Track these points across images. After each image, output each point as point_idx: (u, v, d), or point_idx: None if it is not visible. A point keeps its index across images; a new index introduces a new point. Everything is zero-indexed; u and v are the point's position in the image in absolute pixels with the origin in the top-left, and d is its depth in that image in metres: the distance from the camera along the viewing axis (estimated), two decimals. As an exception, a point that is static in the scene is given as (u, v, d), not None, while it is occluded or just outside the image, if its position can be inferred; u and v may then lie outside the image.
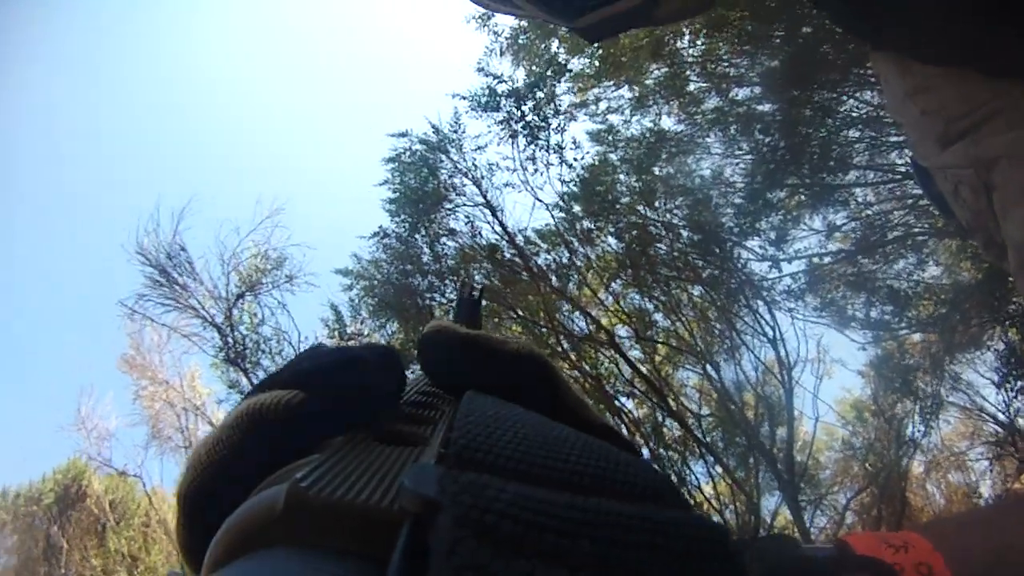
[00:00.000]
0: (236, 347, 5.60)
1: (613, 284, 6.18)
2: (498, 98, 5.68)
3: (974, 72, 0.46)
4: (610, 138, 6.05)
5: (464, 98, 5.81)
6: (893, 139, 6.69)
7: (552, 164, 5.73)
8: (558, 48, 5.98)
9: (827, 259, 7.02)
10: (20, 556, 9.95)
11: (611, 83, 6.15)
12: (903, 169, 6.65)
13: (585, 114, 6.18)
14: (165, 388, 7.16)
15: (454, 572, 0.11)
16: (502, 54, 6.06)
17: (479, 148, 5.88)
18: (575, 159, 5.80)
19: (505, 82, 5.80)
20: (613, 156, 6.09)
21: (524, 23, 5.62)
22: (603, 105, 6.14)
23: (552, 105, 5.82)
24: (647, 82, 6.05)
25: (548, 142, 5.73)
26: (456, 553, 0.11)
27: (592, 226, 6.00)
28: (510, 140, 5.72)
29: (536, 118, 5.63)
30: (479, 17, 6.05)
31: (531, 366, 0.27)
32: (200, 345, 5.92)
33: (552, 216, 5.83)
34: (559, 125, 5.79)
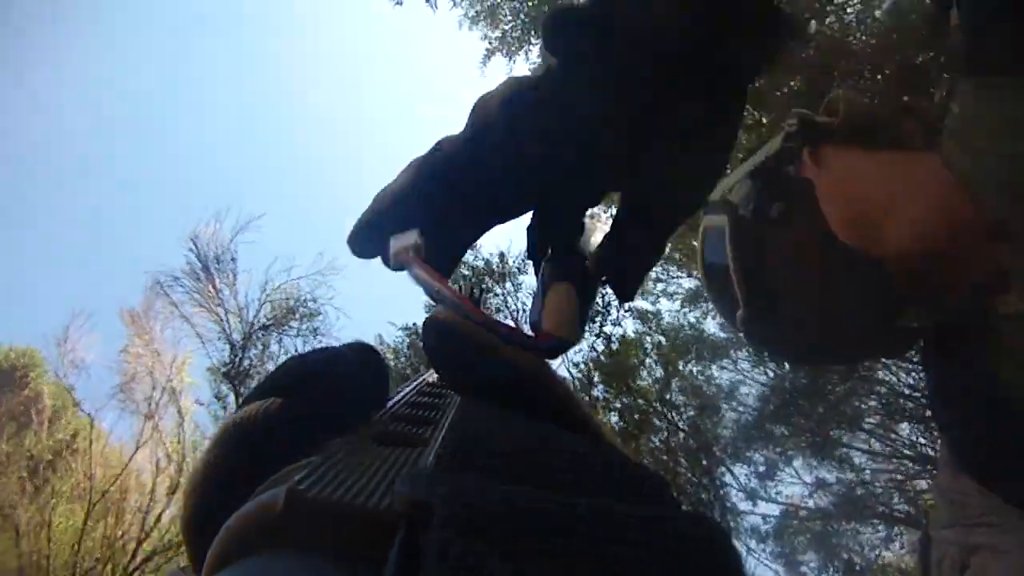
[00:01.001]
0: (239, 367, 5.71)
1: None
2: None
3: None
4: (654, 323, 6.24)
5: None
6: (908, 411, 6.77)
7: (591, 328, 5.92)
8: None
9: (803, 512, 7.05)
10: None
11: (677, 268, 6.37)
12: (907, 452, 6.76)
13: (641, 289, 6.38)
14: (154, 357, 7.24)
15: (446, 574, 0.11)
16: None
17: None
18: (612, 335, 5.98)
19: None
20: (649, 340, 6.27)
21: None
22: (660, 287, 6.36)
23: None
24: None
25: (595, 305, 5.92)
26: (447, 555, 0.11)
27: (601, 396, 6.14)
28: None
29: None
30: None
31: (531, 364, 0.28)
32: (208, 349, 6.05)
33: (570, 373, 5.98)
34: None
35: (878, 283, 0.58)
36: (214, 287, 5.76)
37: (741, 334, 0.67)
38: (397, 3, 4.59)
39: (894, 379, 6.33)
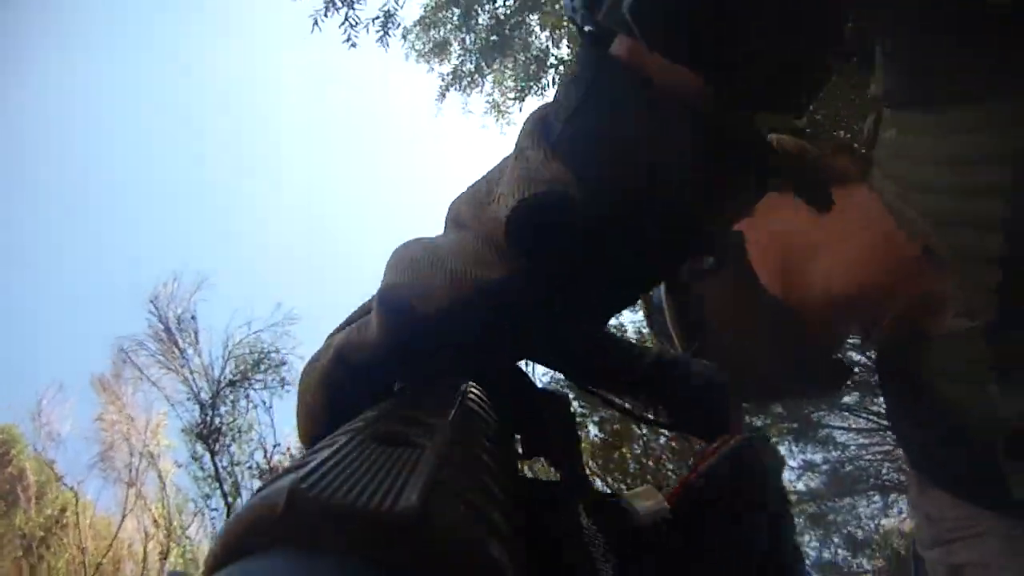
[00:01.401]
0: (211, 426, 5.67)
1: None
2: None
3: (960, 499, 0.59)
4: (618, 334, 6.26)
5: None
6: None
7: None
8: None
9: (793, 497, 7.13)
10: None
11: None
12: (882, 421, 6.88)
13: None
14: (128, 422, 7.17)
15: None
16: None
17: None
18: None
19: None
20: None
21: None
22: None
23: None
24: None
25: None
26: None
27: (578, 411, 6.15)
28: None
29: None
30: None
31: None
32: (178, 411, 6.00)
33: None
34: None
35: (793, 331, 0.61)
36: (178, 348, 5.73)
37: None
38: (352, 45, 4.57)
39: (864, 358, 6.43)
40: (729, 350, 0.63)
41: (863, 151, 0.58)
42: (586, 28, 0.30)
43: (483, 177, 0.31)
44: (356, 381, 0.29)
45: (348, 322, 0.33)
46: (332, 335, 0.33)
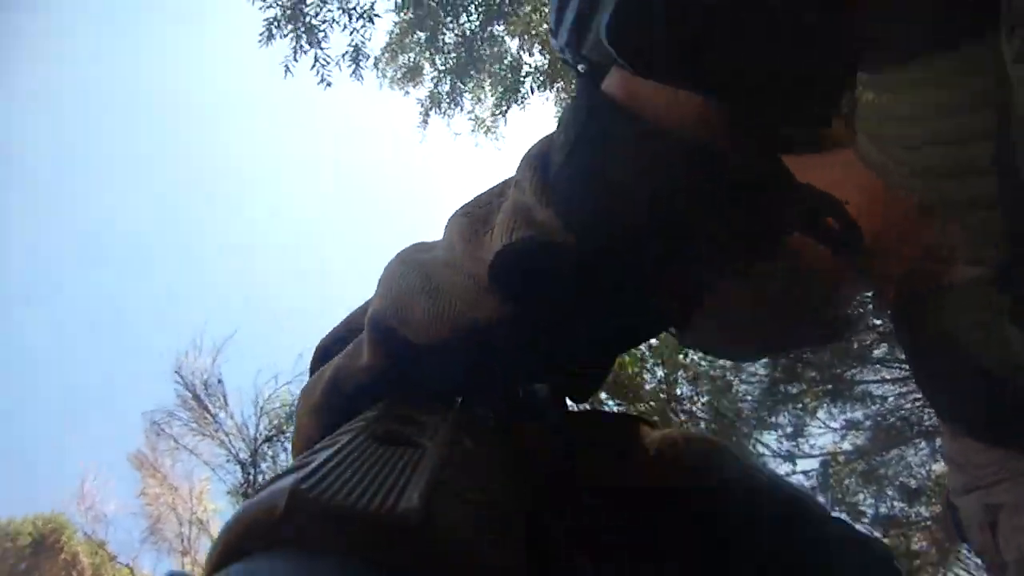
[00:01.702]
0: (255, 484, 5.70)
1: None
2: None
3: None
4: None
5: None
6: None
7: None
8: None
9: (841, 458, 7.03)
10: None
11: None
12: None
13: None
14: (172, 493, 7.22)
15: None
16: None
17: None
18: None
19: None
20: (643, 346, 6.28)
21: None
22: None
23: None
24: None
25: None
26: None
27: (613, 407, 6.13)
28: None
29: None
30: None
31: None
32: (219, 474, 6.04)
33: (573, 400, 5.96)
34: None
35: (804, 292, 0.60)
36: (209, 413, 5.78)
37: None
38: (328, 85, 4.59)
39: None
40: (732, 305, 0.62)
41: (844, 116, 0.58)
42: (579, 67, 0.30)
43: (487, 191, 0.31)
44: (350, 405, 0.29)
45: (336, 331, 0.33)
46: (322, 340, 0.33)
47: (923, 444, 7.11)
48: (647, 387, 6.31)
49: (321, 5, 4.51)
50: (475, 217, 0.29)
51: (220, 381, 5.91)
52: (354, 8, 4.61)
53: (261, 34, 4.39)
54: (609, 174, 0.25)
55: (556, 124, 0.29)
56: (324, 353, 0.32)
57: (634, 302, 0.27)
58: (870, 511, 7.09)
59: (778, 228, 0.28)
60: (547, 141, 0.29)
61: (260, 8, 4.34)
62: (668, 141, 0.25)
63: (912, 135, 0.51)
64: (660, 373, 6.38)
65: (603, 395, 6.29)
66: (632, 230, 0.25)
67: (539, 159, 0.28)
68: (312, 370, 0.32)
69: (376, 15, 4.74)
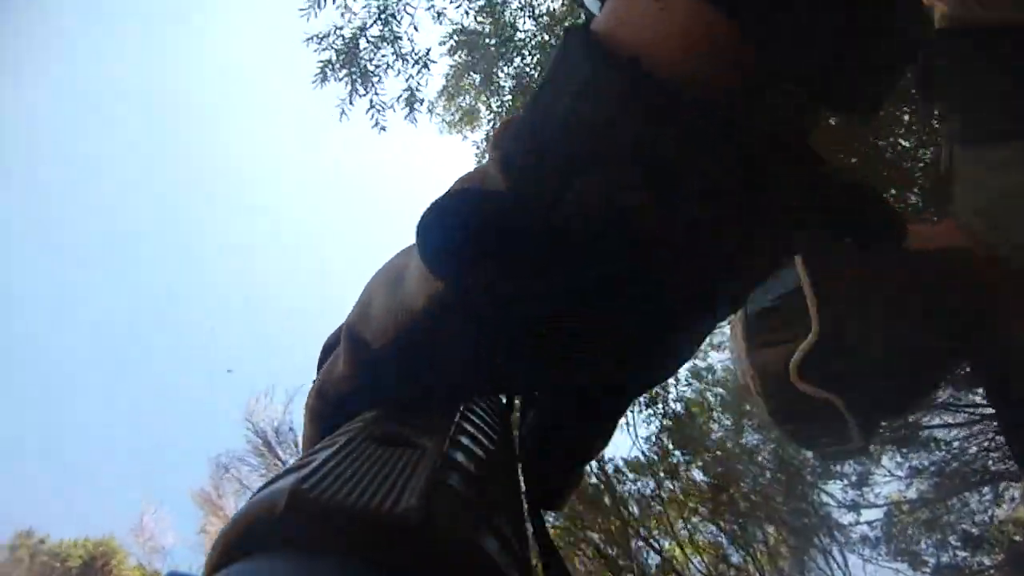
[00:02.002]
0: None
1: (693, 517, 6.19)
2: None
3: None
4: (709, 377, 6.21)
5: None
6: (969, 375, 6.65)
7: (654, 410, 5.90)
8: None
9: (905, 507, 6.92)
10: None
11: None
12: (985, 412, 6.67)
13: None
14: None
15: None
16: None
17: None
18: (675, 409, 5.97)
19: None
20: (710, 395, 6.24)
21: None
22: (704, 341, 6.34)
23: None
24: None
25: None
26: None
27: (680, 458, 6.08)
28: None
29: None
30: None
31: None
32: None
33: (642, 450, 5.95)
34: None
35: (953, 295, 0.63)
36: (279, 460, 5.83)
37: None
38: (381, 129, 4.59)
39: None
40: (873, 323, 0.64)
41: (939, 184, 0.69)
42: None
43: None
44: (336, 414, 0.27)
45: (331, 341, 0.31)
46: (328, 339, 0.31)
47: (986, 490, 6.98)
48: (715, 435, 6.26)
49: (374, 50, 4.52)
50: None
51: (291, 429, 5.98)
52: (408, 54, 4.62)
53: (316, 75, 4.39)
54: (566, 118, 0.19)
55: None
56: (328, 352, 0.30)
57: (632, 282, 0.21)
58: (931, 560, 6.97)
59: (797, 214, 0.21)
60: None
61: (315, 51, 4.34)
62: (662, 92, 0.19)
63: (1003, 208, 0.56)
64: (727, 422, 6.32)
65: (671, 446, 6.26)
66: (587, 162, 0.19)
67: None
68: (318, 368, 0.31)
69: (432, 60, 4.72)
